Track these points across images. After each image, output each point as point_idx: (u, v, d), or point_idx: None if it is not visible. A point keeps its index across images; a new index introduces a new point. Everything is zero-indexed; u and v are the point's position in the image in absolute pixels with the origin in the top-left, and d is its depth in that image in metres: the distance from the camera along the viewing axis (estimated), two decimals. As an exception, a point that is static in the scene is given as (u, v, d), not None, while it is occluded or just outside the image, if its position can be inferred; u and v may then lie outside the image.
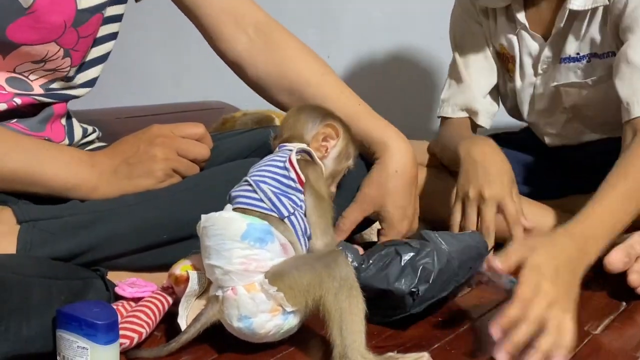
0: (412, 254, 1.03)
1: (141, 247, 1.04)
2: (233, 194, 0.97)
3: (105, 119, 1.75)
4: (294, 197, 0.97)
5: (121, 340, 0.88)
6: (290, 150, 1.01)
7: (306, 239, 0.98)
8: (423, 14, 2.03)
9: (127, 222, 1.02)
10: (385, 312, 1.03)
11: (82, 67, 1.16)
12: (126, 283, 0.99)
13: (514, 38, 1.46)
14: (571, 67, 1.41)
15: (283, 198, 0.96)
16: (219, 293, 0.90)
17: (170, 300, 0.99)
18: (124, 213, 1.03)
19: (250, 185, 0.96)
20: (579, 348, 0.99)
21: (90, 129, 1.24)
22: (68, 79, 1.15)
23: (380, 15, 2.10)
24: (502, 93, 1.57)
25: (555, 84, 1.43)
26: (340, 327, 0.87)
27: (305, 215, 0.98)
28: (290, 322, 0.91)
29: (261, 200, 0.94)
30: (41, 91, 1.12)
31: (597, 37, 1.36)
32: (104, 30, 1.16)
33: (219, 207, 1.01)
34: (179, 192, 1.06)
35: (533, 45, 1.44)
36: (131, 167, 1.05)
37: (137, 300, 0.98)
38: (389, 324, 1.03)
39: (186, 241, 1.03)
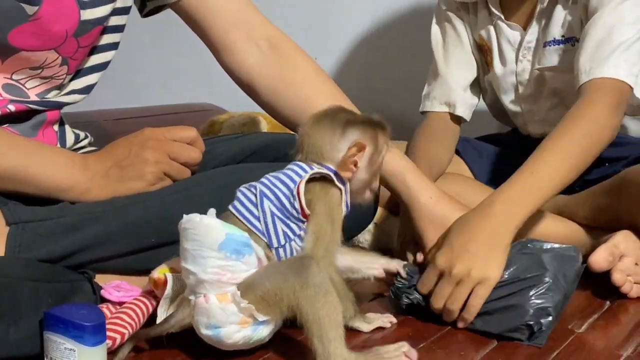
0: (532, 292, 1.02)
1: (130, 250, 1.04)
2: (239, 194, 0.95)
3: (94, 120, 1.76)
4: (293, 226, 0.93)
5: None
6: (304, 173, 0.94)
7: None
8: (411, 16, 2.04)
9: (116, 225, 1.02)
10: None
11: (79, 74, 1.16)
12: (111, 286, 0.99)
13: (492, 29, 1.50)
14: (556, 50, 1.44)
15: (280, 225, 0.93)
16: (192, 297, 0.89)
17: (154, 303, 0.99)
18: (114, 215, 1.03)
19: (255, 197, 0.94)
20: (563, 346, 1.00)
21: (82, 134, 1.24)
22: (62, 86, 1.15)
23: (369, 18, 2.11)
24: (482, 87, 1.59)
25: (539, 67, 1.46)
26: (321, 336, 0.85)
27: (302, 241, 0.94)
28: (260, 333, 0.90)
29: (258, 219, 0.93)
30: (36, 99, 1.12)
31: (575, 21, 1.40)
32: (106, 39, 1.17)
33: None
34: (169, 196, 1.06)
35: (512, 34, 1.48)
36: (123, 170, 1.06)
37: (122, 303, 0.98)
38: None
39: (175, 245, 1.03)
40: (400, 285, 1.08)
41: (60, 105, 1.15)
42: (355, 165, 0.97)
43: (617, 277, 1.14)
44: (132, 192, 1.05)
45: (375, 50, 2.12)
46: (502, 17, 1.47)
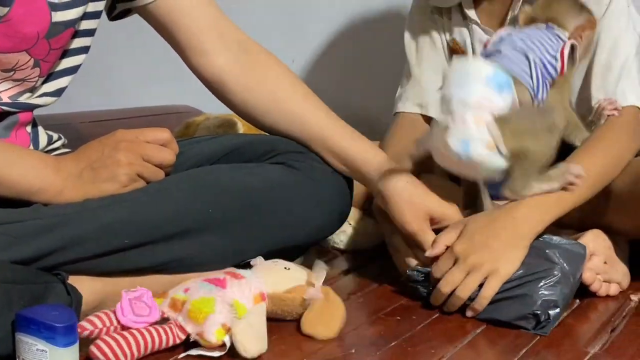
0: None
1: (103, 252, 1.03)
2: (507, 52, 1.12)
3: (70, 122, 1.75)
4: (546, 82, 1.12)
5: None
6: (563, 40, 1.14)
7: None
8: (387, 17, 2.05)
9: (89, 226, 1.02)
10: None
11: (51, 77, 1.16)
12: (133, 297, 0.96)
13: (466, 33, 1.50)
14: None
15: (542, 80, 1.11)
16: (448, 119, 1.04)
17: (173, 333, 0.95)
18: (87, 217, 1.03)
19: (528, 61, 1.11)
20: (531, 345, 1.02)
21: (55, 136, 1.24)
22: (35, 89, 1.15)
23: (345, 20, 2.12)
24: None
25: None
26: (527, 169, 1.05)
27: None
28: (494, 161, 1.04)
29: (531, 77, 1.10)
30: (9, 101, 1.12)
31: None
32: (77, 43, 1.16)
33: (182, 213, 1.03)
34: (142, 197, 1.07)
35: (486, 38, 1.47)
36: (95, 172, 1.06)
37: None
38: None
39: (148, 246, 1.04)
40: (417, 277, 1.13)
41: (32, 107, 1.15)
42: (581, 37, 1.15)
43: (586, 276, 1.16)
44: (105, 193, 1.05)
45: (352, 52, 2.13)
46: (478, 20, 1.48)
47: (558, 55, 1.13)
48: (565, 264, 1.09)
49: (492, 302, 1.08)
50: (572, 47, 1.15)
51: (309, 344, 0.99)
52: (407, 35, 1.59)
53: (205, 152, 1.19)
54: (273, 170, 1.13)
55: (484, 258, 1.08)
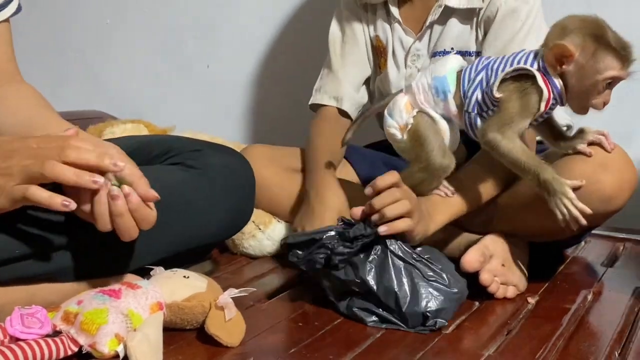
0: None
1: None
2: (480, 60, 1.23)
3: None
4: (487, 102, 1.19)
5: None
6: (510, 67, 1.18)
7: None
8: (300, 19, 2.06)
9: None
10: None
11: None
12: (25, 313, 0.93)
13: (389, 31, 1.54)
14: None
15: (477, 94, 1.19)
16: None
17: (65, 346, 0.92)
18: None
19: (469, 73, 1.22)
20: (428, 347, 1.03)
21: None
22: None
23: (260, 26, 2.12)
24: (371, 91, 1.63)
25: None
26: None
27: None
28: (400, 145, 1.27)
29: (470, 82, 1.21)
30: None
31: (468, 37, 1.46)
32: None
33: (74, 222, 1.01)
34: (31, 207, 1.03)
35: (405, 39, 1.52)
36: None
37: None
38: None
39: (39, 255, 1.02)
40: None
41: None
42: (560, 64, 1.14)
43: (484, 277, 1.19)
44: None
45: (266, 56, 2.13)
46: (400, 20, 1.51)
47: (499, 76, 1.17)
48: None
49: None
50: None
51: (207, 354, 0.99)
52: (333, 29, 1.60)
53: None
54: (169, 172, 1.12)
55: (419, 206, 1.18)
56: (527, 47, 1.37)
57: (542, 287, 1.29)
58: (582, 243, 1.59)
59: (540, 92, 1.14)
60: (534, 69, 1.15)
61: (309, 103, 1.60)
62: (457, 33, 1.47)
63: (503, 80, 1.16)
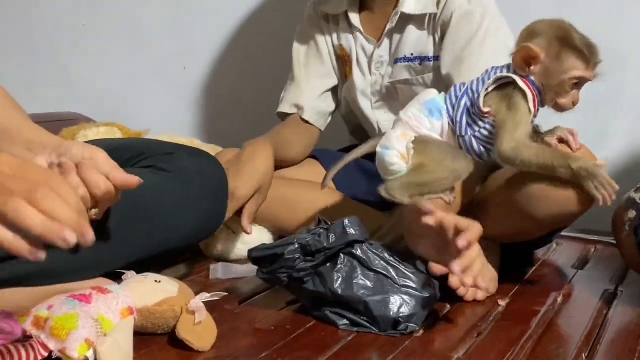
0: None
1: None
2: (455, 86, 1.24)
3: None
4: (479, 122, 1.20)
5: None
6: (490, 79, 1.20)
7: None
8: (279, 25, 2.07)
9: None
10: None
11: None
12: None
13: (352, 40, 1.56)
14: (405, 67, 1.54)
15: (466, 117, 1.21)
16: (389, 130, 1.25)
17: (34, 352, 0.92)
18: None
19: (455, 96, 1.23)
20: (399, 350, 1.04)
21: None
22: None
23: (236, 28, 2.12)
24: (339, 99, 1.65)
25: (391, 80, 1.55)
26: (417, 180, 1.20)
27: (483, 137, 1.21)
28: (404, 171, 1.21)
29: (454, 108, 1.22)
30: None
31: (426, 42, 1.50)
32: None
33: None
34: None
35: (367, 46, 1.56)
36: None
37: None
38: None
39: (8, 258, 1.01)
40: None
41: None
42: (528, 65, 1.17)
43: (453, 280, 1.20)
44: None
45: (244, 58, 2.13)
46: (361, 29, 1.54)
47: (481, 92, 1.19)
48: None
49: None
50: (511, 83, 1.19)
51: (178, 358, 0.99)
52: (296, 43, 1.64)
53: None
54: (141, 175, 1.12)
55: None
56: (486, 50, 1.41)
57: (512, 290, 1.31)
58: (554, 245, 1.61)
59: (524, 93, 1.17)
60: (512, 74, 1.19)
61: (276, 112, 1.63)
62: (416, 39, 1.51)
63: (487, 95, 1.19)
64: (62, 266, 1.05)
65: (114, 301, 0.99)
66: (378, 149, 1.24)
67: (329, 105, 1.64)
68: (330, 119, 1.67)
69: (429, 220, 1.06)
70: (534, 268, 1.47)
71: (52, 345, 0.92)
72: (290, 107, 1.61)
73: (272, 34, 2.08)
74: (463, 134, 1.22)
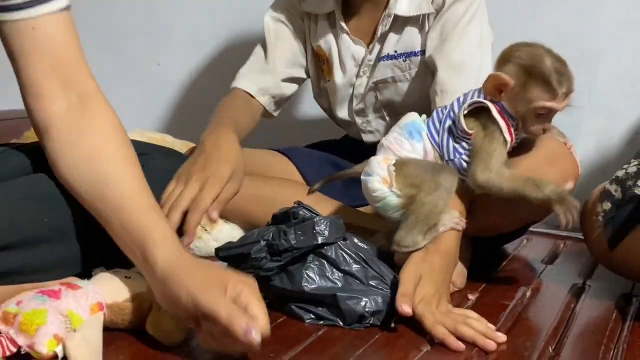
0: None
1: None
2: (436, 111, 1.24)
3: None
4: (463, 144, 1.20)
5: None
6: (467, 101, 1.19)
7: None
8: (254, 22, 2.06)
9: None
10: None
11: None
12: None
13: (333, 42, 1.55)
14: (389, 65, 1.52)
15: (452, 142, 1.20)
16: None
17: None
18: None
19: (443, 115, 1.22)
20: (368, 345, 1.05)
21: None
22: None
23: (210, 24, 2.11)
24: (316, 93, 1.65)
25: (374, 80, 1.54)
26: (416, 217, 1.15)
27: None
28: (390, 199, 1.18)
29: (438, 133, 1.22)
30: None
31: (415, 38, 1.49)
32: None
33: (17, 222, 1.03)
34: None
35: (356, 49, 1.53)
36: None
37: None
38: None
39: None
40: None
41: None
42: (499, 92, 1.17)
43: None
44: None
45: (218, 54, 2.13)
46: (349, 31, 1.52)
47: (459, 114, 1.18)
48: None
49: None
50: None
51: (148, 353, 0.99)
52: (268, 22, 1.60)
53: (22, 160, 1.14)
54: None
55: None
56: (470, 33, 1.42)
57: (482, 284, 1.32)
58: (524, 240, 1.63)
59: (497, 122, 1.17)
60: (486, 100, 1.18)
61: (232, 86, 1.59)
62: (402, 36, 1.49)
63: (465, 117, 1.18)
64: (36, 266, 1.05)
65: (84, 297, 0.99)
66: (362, 177, 1.22)
67: (289, 90, 1.61)
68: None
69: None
70: (504, 263, 1.49)
71: (21, 341, 0.93)
72: (249, 83, 1.57)
73: (246, 29, 2.08)
74: (452, 157, 1.21)
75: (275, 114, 1.62)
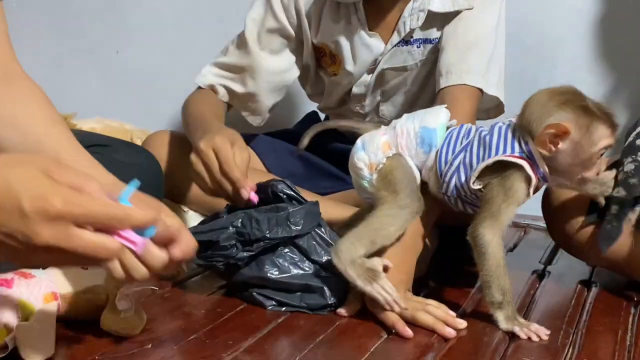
0: None
1: None
2: (456, 130, 1.12)
3: None
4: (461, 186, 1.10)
5: None
6: (491, 156, 1.06)
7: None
8: (217, 8, 2.04)
9: None
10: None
11: None
12: None
13: (340, 35, 1.48)
14: (403, 51, 1.47)
15: (456, 178, 1.09)
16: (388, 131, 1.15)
17: None
18: None
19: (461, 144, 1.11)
20: (329, 330, 1.05)
21: None
22: None
23: (170, 12, 2.09)
24: (306, 83, 1.62)
25: (384, 67, 1.49)
26: (362, 229, 1.08)
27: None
28: (364, 183, 1.14)
29: (446, 164, 1.11)
30: None
31: (434, 28, 1.45)
32: None
33: None
34: None
35: (375, 44, 1.47)
36: None
37: None
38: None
39: None
40: None
41: None
42: (555, 145, 1.03)
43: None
44: None
45: (179, 41, 2.10)
46: (367, 26, 1.46)
47: (472, 176, 1.07)
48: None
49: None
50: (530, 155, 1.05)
51: (104, 343, 0.97)
52: (256, 11, 1.52)
53: None
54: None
55: None
56: (487, 18, 1.41)
57: (444, 272, 1.32)
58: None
59: (528, 178, 1.06)
60: (521, 159, 1.05)
61: (200, 82, 1.56)
62: (421, 27, 1.44)
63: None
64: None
65: (37, 286, 0.96)
66: (357, 143, 1.15)
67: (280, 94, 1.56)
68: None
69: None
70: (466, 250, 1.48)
71: (-30, 331, 0.90)
72: (238, 92, 1.53)
73: (207, 17, 2.05)
74: (449, 194, 1.12)
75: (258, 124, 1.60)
